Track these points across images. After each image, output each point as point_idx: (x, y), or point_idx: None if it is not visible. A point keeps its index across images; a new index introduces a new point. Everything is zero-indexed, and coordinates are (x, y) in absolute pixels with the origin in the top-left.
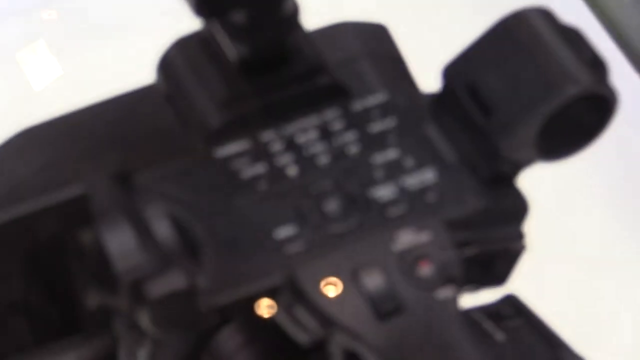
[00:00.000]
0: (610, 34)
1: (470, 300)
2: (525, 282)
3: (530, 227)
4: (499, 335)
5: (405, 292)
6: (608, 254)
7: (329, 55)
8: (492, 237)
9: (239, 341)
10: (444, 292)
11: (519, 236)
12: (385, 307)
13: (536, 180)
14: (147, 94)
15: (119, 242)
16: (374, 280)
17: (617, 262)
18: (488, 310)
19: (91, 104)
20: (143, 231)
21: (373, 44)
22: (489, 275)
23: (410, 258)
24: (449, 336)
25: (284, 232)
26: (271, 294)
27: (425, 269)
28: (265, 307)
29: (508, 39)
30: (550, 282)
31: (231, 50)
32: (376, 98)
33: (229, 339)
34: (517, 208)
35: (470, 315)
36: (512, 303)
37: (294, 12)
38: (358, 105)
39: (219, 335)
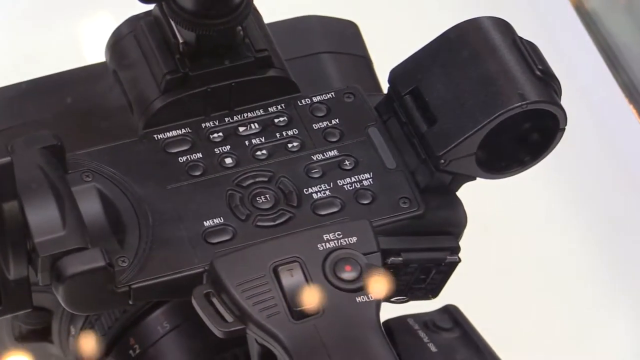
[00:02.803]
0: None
1: (408, 307)
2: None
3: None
4: (432, 346)
5: (324, 293)
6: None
7: (289, 47)
8: (425, 248)
9: (167, 326)
10: (365, 298)
11: (454, 249)
12: (301, 307)
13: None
14: (97, 71)
15: (40, 216)
16: (293, 278)
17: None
18: (425, 319)
19: (42, 75)
20: (68, 207)
21: (338, 40)
22: (420, 287)
23: (335, 259)
24: (365, 342)
25: (213, 221)
26: (197, 282)
27: (348, 272)
28: None
29: (459, 47)
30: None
31: (177, 35)
32: (324, 96)
33: (157, 322)
34: (454, 221)
35: (405, 322)
36: (450, 314)
37: (245, 0)
38: (304, 101)
39: (148, 317)
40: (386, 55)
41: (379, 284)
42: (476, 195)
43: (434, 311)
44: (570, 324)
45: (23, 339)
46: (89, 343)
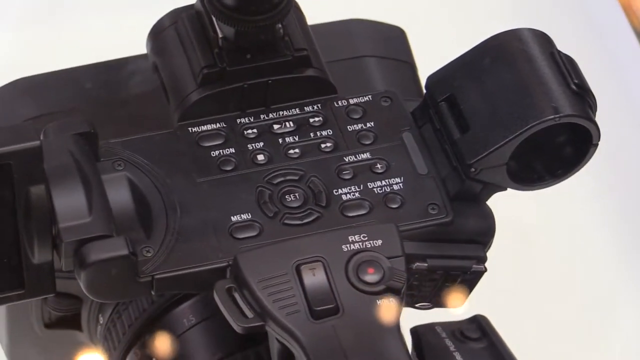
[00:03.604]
0: None
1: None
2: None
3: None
4: (459, 355)
5: (345, 295)
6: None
7: (334, 49)
8: (451, 255)
9: (193, 319)
10: (386, 301)
11: (480, 259)
12: (321, 306)
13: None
14: (138, 62)
15: (66, 201)
16: (315, 278)
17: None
18: (453, 328)
19: (84, 65)
20: (96, 194)
21: (384, 45)
22: (445, 295)
23: (358, 261)
24: (382, 345)
25: (240, 216)
26: (220, 276)
27: (370, 275)
28: None
29: (496, 56)
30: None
31: (217, 30)
32: (361, 98)
33: (183, 315)
34: (482, 230)
35: (433, 329)
36: (479, 324)
37: None
38: (341, 102)
39: (175, 309)
40: (432, 62)
41: (399, 290)
42: (512, 204)
43: (462, 320)
44: (606, 344)
45: (53, 325)
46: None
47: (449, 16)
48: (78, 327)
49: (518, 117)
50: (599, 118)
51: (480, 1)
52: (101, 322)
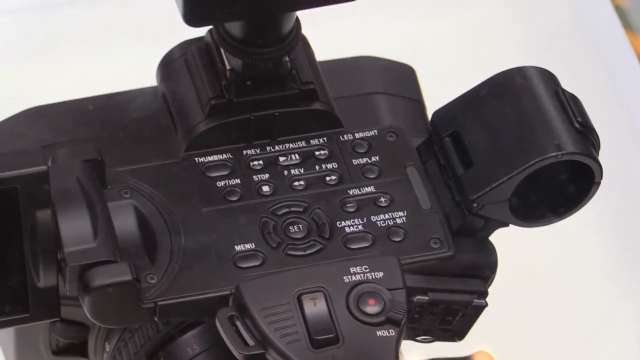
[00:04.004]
0: None
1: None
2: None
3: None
4: None
5: (345, 325)
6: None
7: (343, 85)
8: (452, 290)
9: (197, 348)
10: (386, 333)
11: (481, 293)
12: (321, 335)
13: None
14: (148, 93)
15: (72, 226)
16: (315, 307)
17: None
18: None
19: (93, 95)
20: (101, 220)
21: (393, 82)
22: (445, 329)
23: (359, 292)
24: None
25: (244, 245)
26: (223, 304)
27: (371, 306)
28: None
29: (501, 94)
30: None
31: (224, 61)
32: (366, 133)
33: (187, 344)
34: (483, 264)
35: None
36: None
37: (293, 32)
38: (347, 136)
39: (180, 338)
40: (442, 98)
41: (399, 321)
42: (514, 240)
43: (463, 357)
44: None
45: (60, 352)
46: None
47: (458, 53)
48: (85, 354)
49: (521, 153)
50: (603, 155)
51: (490, 40)
52: (107, 350)
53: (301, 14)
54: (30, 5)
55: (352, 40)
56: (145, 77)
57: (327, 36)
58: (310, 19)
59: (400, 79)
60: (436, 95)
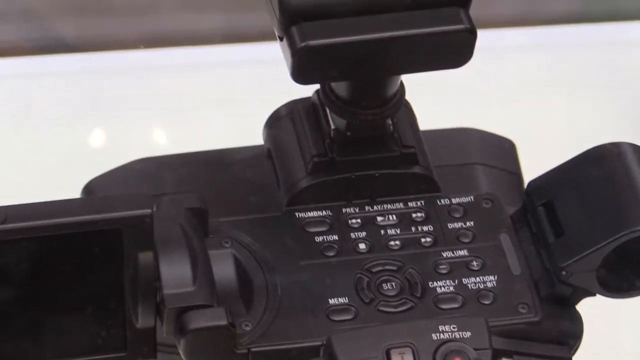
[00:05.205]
0: None
1: None
2: None
3: None
4: None
5: None
6: None
7: (444, 154)
8: (537, 355)
9: None
10: None
11: None
12: None
13: None
14: (253, 149)
15: (173, 269)
16: None
17: None
18: None
19: (200, 150)
20: (201, 266)
21: (494, 155)
22: None
23: (446, 350)
24: None
25: (338, 299)
26: (313, 354)
27: None
28: None
29: (595, 166)
30: None
31: (329, 121)
32: (463, 198)
33: None
34: (569, 332)
35: None
36: None
37: (397, 95)
38: (444, 201)
39: None
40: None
41: None
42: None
43: None
44: None
45: None
46: None
47: (556, 128)
48: None
49: (610, 225)
50: None
51: (587, 116)
52: None
53: (409, 82)
54: (147, 67)
55: (457, 111)
56: (251, 135)
57: (433, 105)
58: (419, 86)
59: (500, 152)
60: (533, 165)
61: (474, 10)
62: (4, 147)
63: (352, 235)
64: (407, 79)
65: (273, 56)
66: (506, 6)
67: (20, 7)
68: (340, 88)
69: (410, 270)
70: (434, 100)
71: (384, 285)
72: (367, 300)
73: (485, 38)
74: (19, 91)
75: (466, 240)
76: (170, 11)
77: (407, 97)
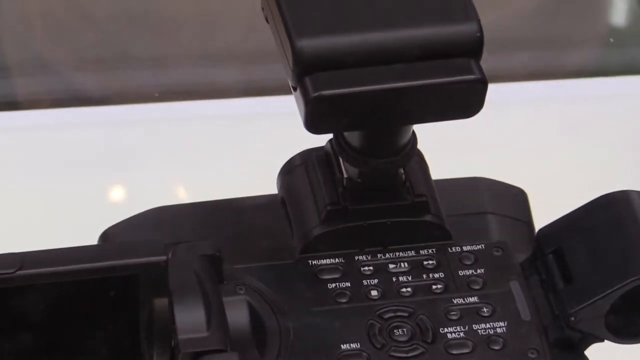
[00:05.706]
0: None
1: None
2: None
3: None
4: None
5: None
6: None
7: (455, 203)
8: None
9: None
10: None
11: None
12: None
13: None
14: (267, 198)
15: (187, 315)
16: None
17: None
18: None
19: (216, 199)
20: (215, 312)
21: (505, 205)
22: None
23: None
24: None
25: (350, 345)
26: None
27: None
28: None
29: (603, 215)
30: None
31: (342, 170)
32: (474, 246)
33: None
34: None
35: None
36: None
37: (409, 145)
38: (455, 249)
39: None
40: (552, 219)
41: None
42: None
43: None
44: None
45: None
46: None
47: (566, 176)
48: None
49: (619, 272)
50: None
51: (596, 165)
52: None
53: (422, 132)
54: (164, 118)
55: (469, 161)
56: (266, 184)
57: (446, 155)
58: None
59: (511, 201)
60: (546, 213)
61: (493, 64)
62: (24, 196)
63: (365, 282)
64: (420, 129)
65: (287, 108)
66: (522, 60)
67: (39, 61)
68: (353, 137)
69: (421, 316)
70: (446, 150)
71: (395, 331)
72: (378, 346)
73: (498, 90)
74: (40, 142)
75: (477, 287)
76: (185, 65)
77: (420, 146)
